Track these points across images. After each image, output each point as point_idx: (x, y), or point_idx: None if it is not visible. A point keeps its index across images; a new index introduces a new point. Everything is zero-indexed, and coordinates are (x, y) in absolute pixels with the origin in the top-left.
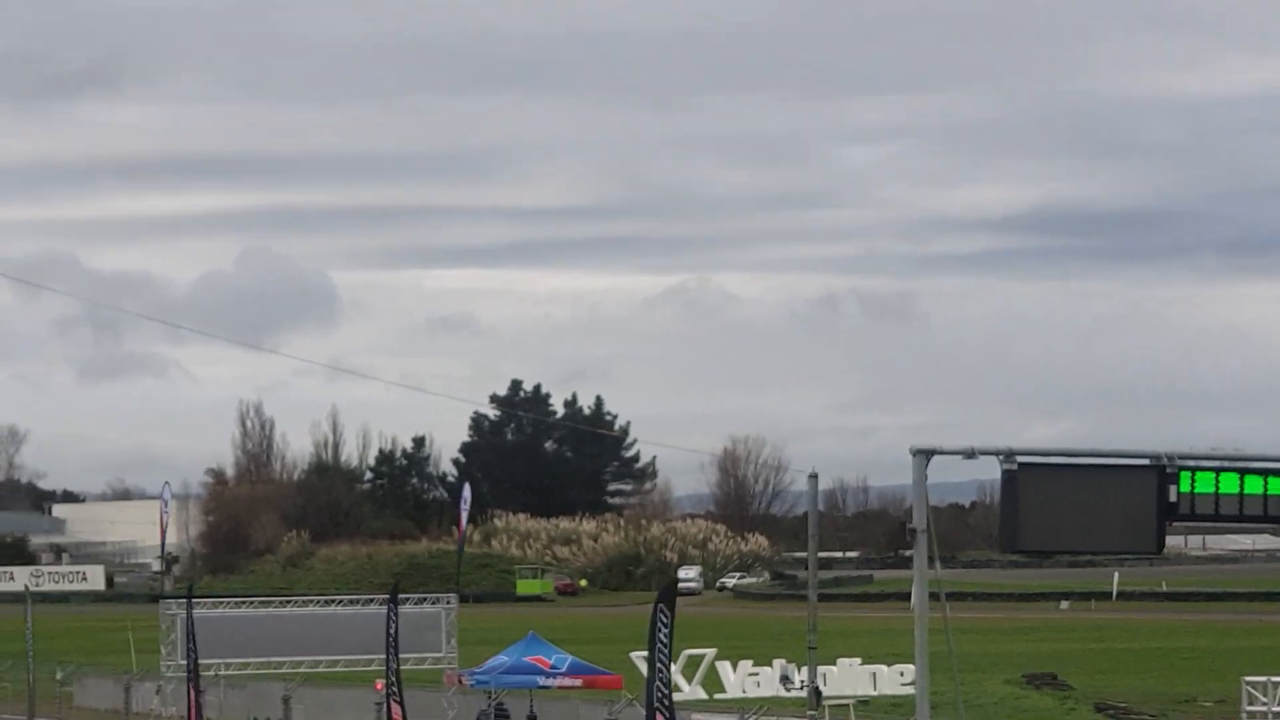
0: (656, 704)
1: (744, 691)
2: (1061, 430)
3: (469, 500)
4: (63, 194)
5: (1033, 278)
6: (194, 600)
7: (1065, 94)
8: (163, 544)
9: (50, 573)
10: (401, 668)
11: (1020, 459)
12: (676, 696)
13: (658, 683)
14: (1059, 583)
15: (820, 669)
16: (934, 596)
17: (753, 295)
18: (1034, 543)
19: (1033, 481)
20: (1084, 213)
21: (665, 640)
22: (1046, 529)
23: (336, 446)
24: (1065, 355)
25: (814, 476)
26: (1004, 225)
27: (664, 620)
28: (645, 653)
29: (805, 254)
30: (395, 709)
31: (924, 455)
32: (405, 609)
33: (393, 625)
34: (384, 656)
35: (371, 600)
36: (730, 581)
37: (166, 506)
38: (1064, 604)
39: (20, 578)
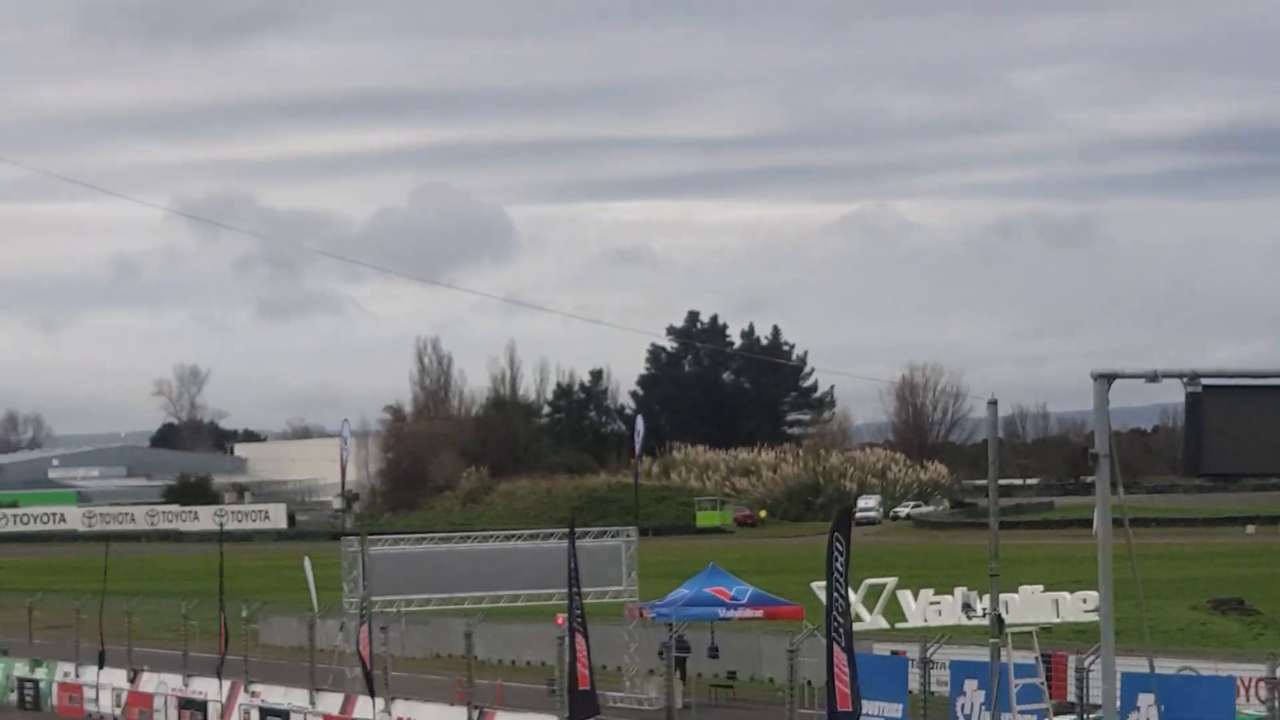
0: (834, 634)
1: (925, 620)
2: (1248, 352)
3: (643, 433)
4: (240, 134)
5: (1215, 197)
6: (374, 537)
7: (1247, 9)
8: (343, 482)
9: (234, 511)
10: (584, 601)
11: (1205, 381)
12: (857, 626)
13: (835, 612)
14: (1245, 507)
15: (1002, 596)
16: (1117, 522)
17: (929, 222)
18: (1219, 466)
19: (1218, 404)
20: (1267, 130)
21: (842, 569)
22: (1232, 452)
23: (514, 381)
24: (1250, 276)
25: (993, 403)
26: (1185, 144)
27: (840, 549)
28: (825, 583)
29: (982, 179)
30: (579, 641)
31: (1105, 379)
32: (585, 543)
33: (573, 559)
34: (564, 590)
35: (551, 534)
36: (905, 510)
37: (346, 444)
38: (1250, 528)
39: (204, 517)
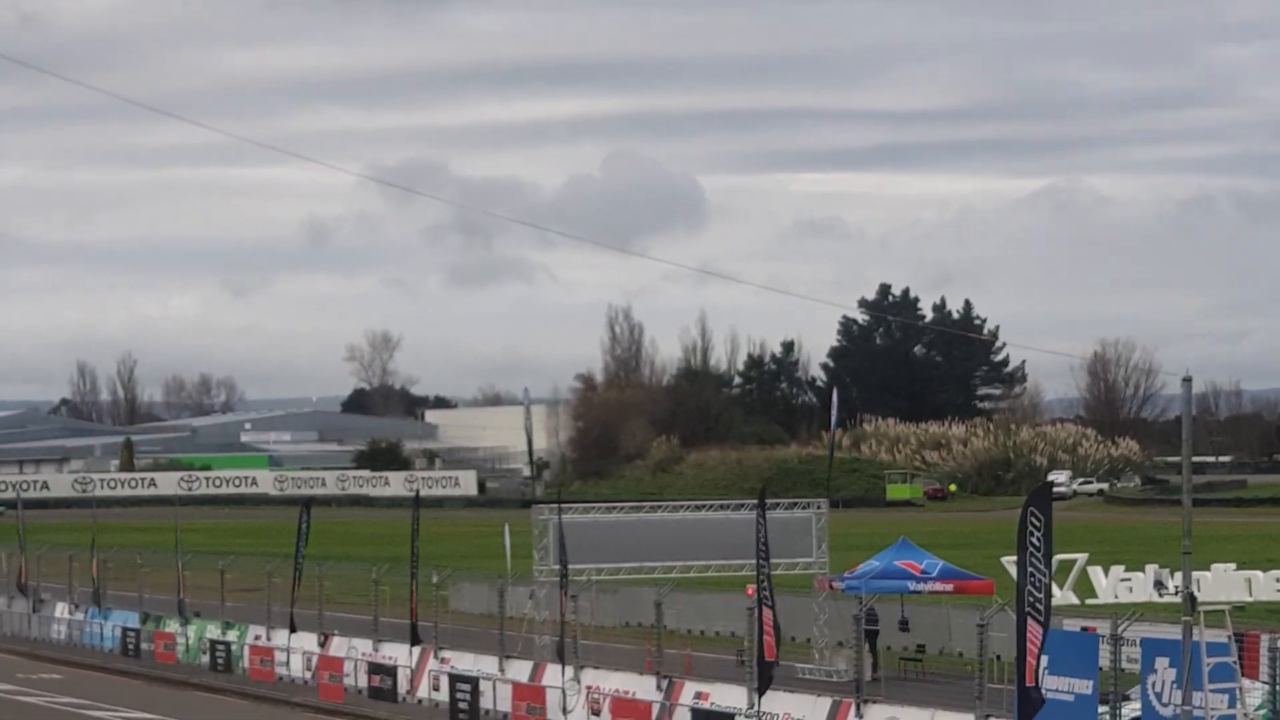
0: (1028, 609)
1: (1116, 597)
2: None
3: (836, 405)
4: (433, 101)
5: None
6: (565, 505)
7: None
8: (530, 450)
9: (424, 477)
10: (772, 573)
11: None
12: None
13: (1029, 587)
14: None
15: (1194, 574)
16: None
17: (1123, 197)
18: None
19: None
20: None
21: (1038, 544)
22: None
23: (705, 351)
24: None
25: (1188, 380)
26: None
27: (1036, 523)
28: (1016, 557)
29: (1178, 154)
30: (766, 614)
31: None
32: (776, 514)
33: (762, 530)
34: (754, 561)
35: (741, 505)
36: (1088, 487)
37: (528, 411)
38: None
39: (395, 483)
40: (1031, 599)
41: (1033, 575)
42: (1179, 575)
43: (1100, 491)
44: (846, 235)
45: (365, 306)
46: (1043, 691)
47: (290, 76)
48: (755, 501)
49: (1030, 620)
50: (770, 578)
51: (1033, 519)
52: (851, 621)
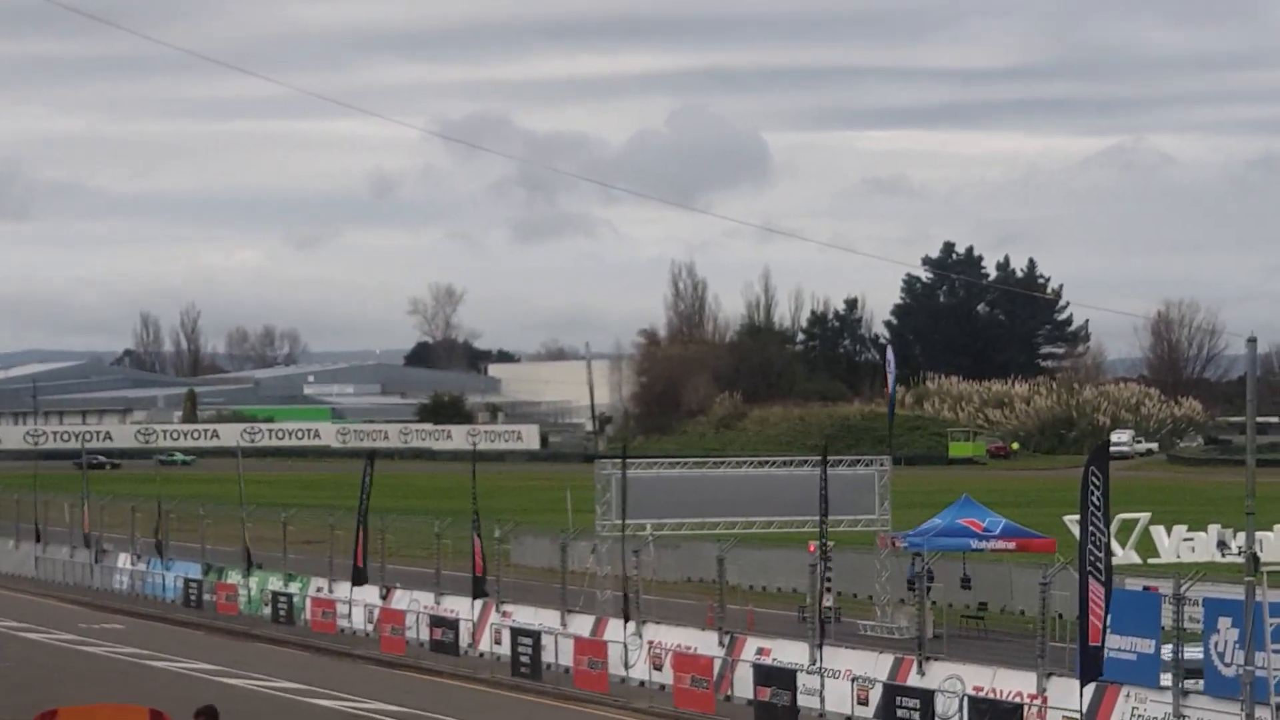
0: (1090, 567)
1: (1178, 556)
2: None
3: (894, 365)
4: (497, 55)
5: None
6: (628, 460)
7: None
8: (592, 404)
9: (487, 431)
10: (835, 529)
11: None
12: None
13: (1090, 546)
14: None
15: (1258, 534)
16: None
17: (1189, 156)
18: None
19: None
20: None
21: (1098, 503)
22: None
23: (768, 308)
24: None
25: (1252, 340)
26: None
27: (1096, 483)
28: (1078, 516)
29: (1244, 114)
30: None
31: None
32: (838, 471)
33: (824, 487)
34: (816, 518)
35: (805, 462)
36: (1139, 446)
37: (590, 366)
38: None
39: (458, 436)
40: (1092, 558)
41: (1093, 534)
42: (1242, 535)
43: (1149, 451)
44: (911, 193)
45: (429, 260)
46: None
47: (356, 30)
48: (818, 458)
49: (1091, 579)
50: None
51: (1093, 478)
52: (912, 579)
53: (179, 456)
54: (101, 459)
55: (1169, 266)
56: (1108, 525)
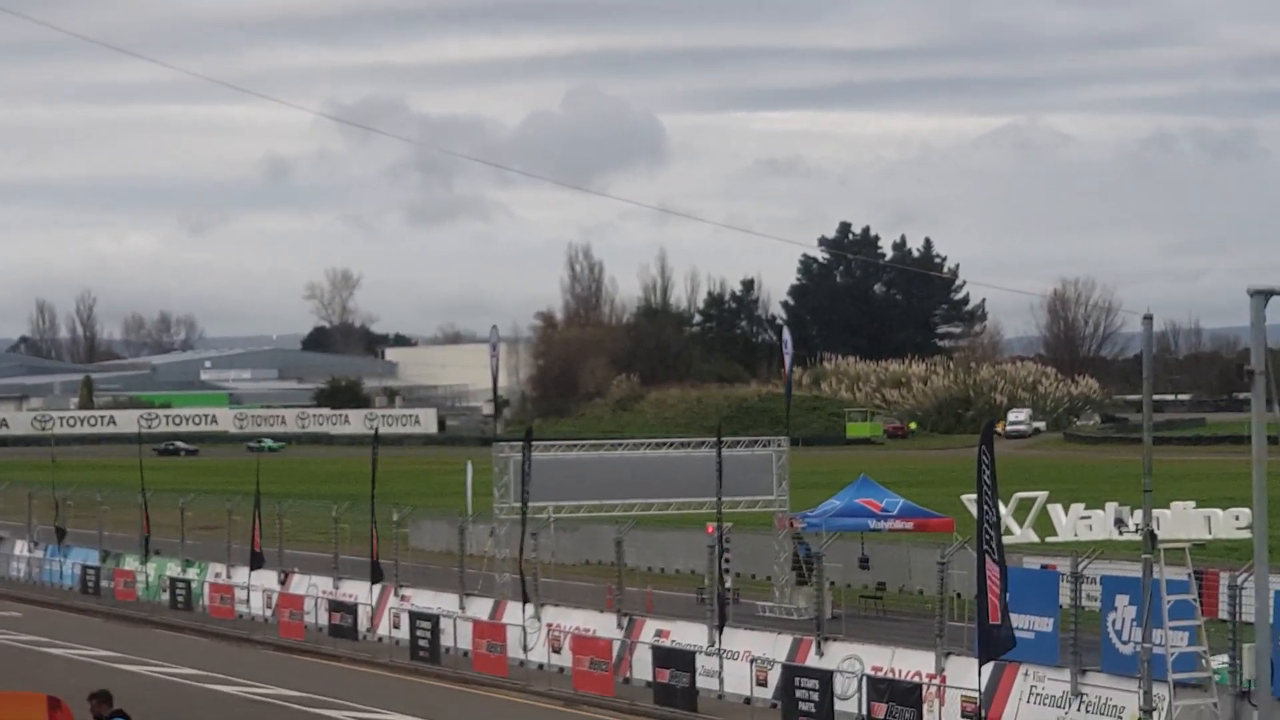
0: (985, 546)
1: (1075, 535)
2: None
3: (791, 345)
4: (390, 38)
5: None
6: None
7: None
8: (494, 388)
9: (384, 415)
10: (732, 511)
11: None
12: (1007, 540)
13: (985, 525)
14: None
15: (1155, 512)
16: (1272, 440)
17: (1084, 135)
18: None
19: None
20: None
21: (989, 482)
22: None
23: (665, 289)
24: None
25: (1148, 318)
26: None
27: (986, 462)
28: (975, 496)
29: (1138, 93)
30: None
31: (1262, 296)
32: (736, 452)
33: (720, 468)
34: (714, 499)
35: (702, 443)
36: (1040, 425)
37: (496, 350)
38: None
39: (355, 420)
40: (987, 537)
41: (986, 513)
42: (1139, 513)
43: (1036, 431)
44: (807, 174)
45: (325, 244)
46: (1013, 630)
47: (249, 14)
48: (714, 439)
49: (988, 558)
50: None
51: (983, 458)
52: (795, 562)
53: (268, 443)
54: (178, 445)
55: (1065, 245)
56: (996, 503)
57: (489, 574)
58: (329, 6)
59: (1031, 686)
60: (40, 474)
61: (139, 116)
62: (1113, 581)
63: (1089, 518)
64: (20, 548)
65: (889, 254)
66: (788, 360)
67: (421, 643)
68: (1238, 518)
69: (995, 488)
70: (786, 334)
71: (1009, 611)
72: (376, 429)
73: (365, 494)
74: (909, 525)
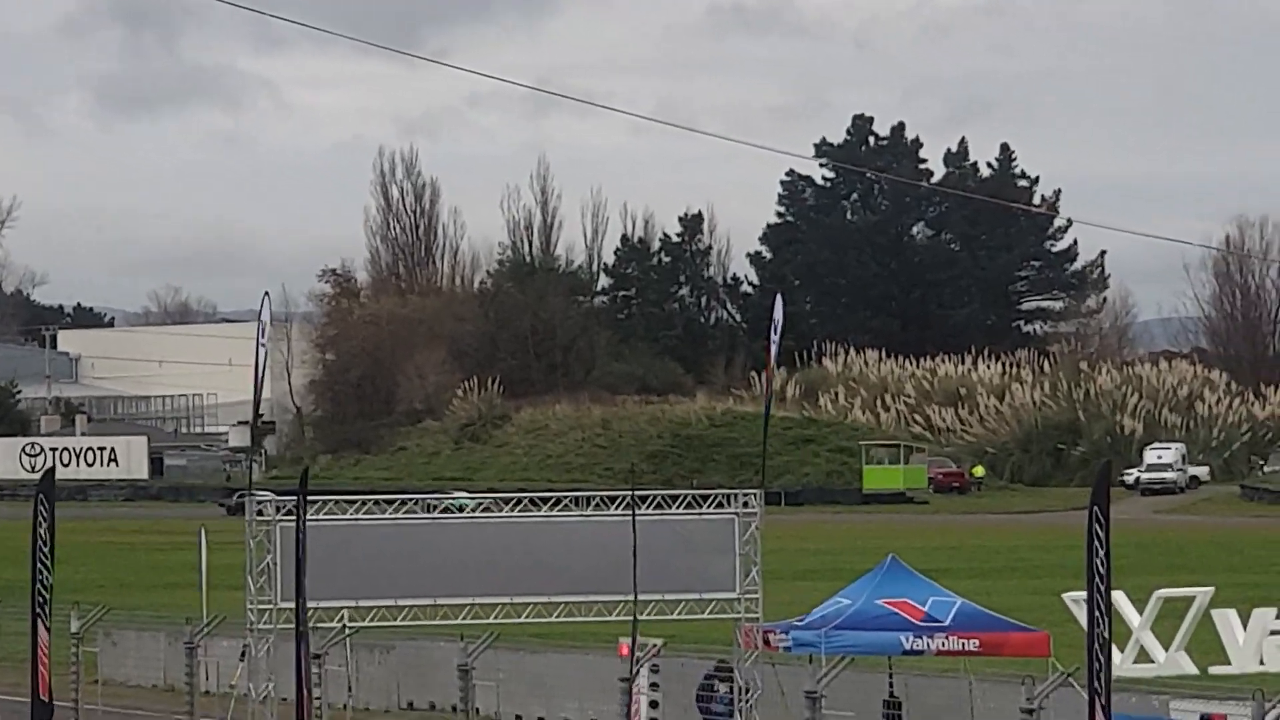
0: (1096, 679)
1: (1263, 663)
2: None
3: (781, 325)
4: None
5: None
6: (308, 499)
7: None
8: (256, 400)
9: (54, 447)
10: (665, 620)
11: None
12: (1147, 670)
13: (1096, 647)
14: None
15: None
16: None
17: None
18: None
19: None
20: None
21: (1102, 569)
22: None
23: (547, 231)
24: None
25: None
26: None
27: (1100, 535)
28: (1085, 593)
29: None
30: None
31: None
32: (672, 515)
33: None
34: (629, 598)
35: (613, 500)
36: (1200, 471)
37: (264, 337)
38: None
39: (4, 455)
40: (1097, 665)
41: (1098, 620)
42: None
43: (1194, 481)
44: (796, 28)
45: None
46: None
47: None
48: (628, 492)
49: (1098, 702)
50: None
51: (1096, 527)
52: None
53: (463, 500)
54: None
55: (1242, 159)
56: (1109, 605)
57: None
58: None
59: None
60: None
61: None
62: None
63: None
64: None
65: (939, 172)
66: (773, 352)
67: None
68: None
69: (1109, 578)
70: (779, 308)
71: None
72: (43, 470)
73: (19, 584)
74: (973, 644)
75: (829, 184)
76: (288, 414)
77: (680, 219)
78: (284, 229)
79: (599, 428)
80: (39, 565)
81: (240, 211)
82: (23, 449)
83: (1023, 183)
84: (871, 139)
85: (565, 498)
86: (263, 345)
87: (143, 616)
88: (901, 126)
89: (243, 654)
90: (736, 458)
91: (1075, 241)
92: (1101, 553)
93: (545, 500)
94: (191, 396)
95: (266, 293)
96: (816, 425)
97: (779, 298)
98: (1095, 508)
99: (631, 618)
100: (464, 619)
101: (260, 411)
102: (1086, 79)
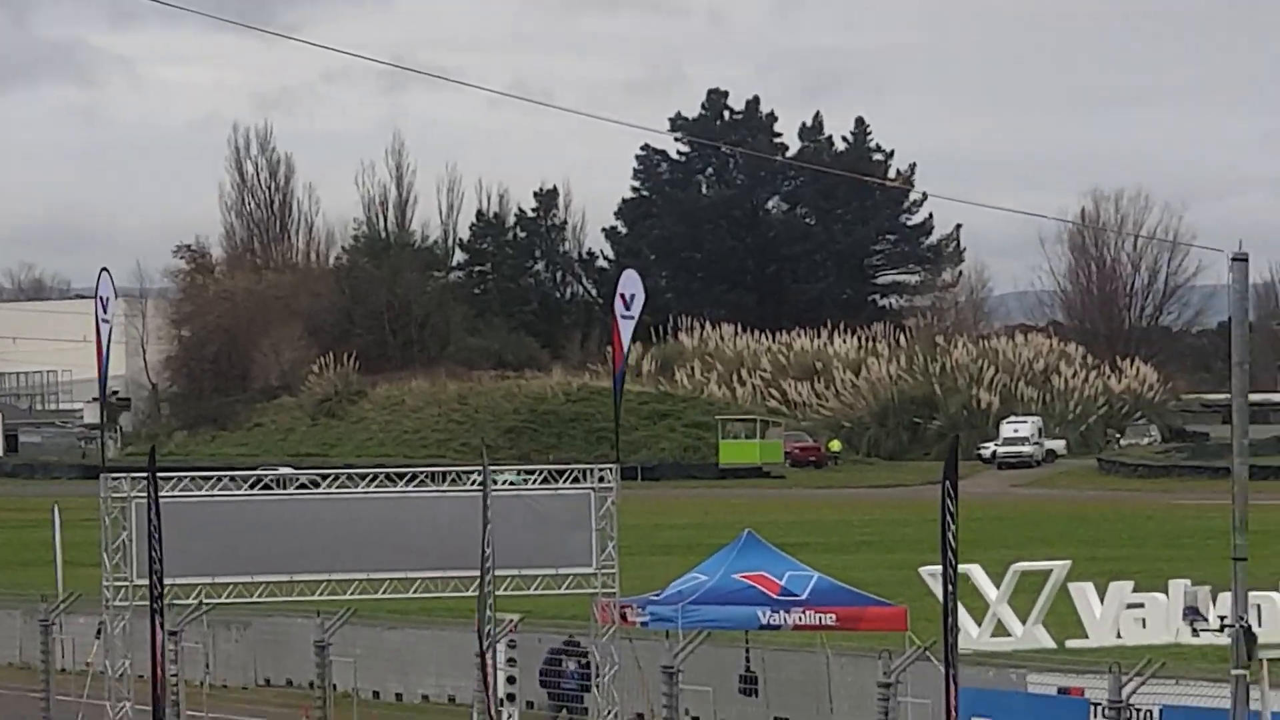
0: (951, 653)
1: (1119, 636)
2: None
3: (635, 299)
4: None
5: None
6: (162, 475)
7: None
8: (101, 376)
9: None
10: (520, 594)
11: None
12: (1004, 644)
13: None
14: None
15: (1253, 596)
16: None
17: None
18: None
19: None
20: None
21: (953, 543)
22: None
23: (403, 205)
24: None
25: (1241, 260)
26: None
27: (951, 510)
28: (939, 567)
29: None
30: (489, 668)
31: None
32: (526, 491)
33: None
34: (479, 571)
35: (467, 474)
36: (1056, 444)
37: (106, 311)
38: None
39: None
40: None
41: (951, 594)
42: (1225, 598)
43: (1050, 454)
44: (650, 3)
45: None
46: None
47: None
48: (481, 469)
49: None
50: (492, 604)
51: (948, 501)
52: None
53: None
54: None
55: (1100, 132)
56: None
57: (95, 702)
58: None
59: None
60: None
61: None
62: (1181, 715)
63: (1140, 606)
64: None
65: (794, 145)
66: (623, 330)
67: None
68: None
69: (956, 553)
70: (635, 282)
71: None
72: None
73: None
74: (830, 618)
75: (684, 158)
76: (144, 390)
77: (535, 194)
78: (139, 205)
79: (455, 403)
80: None
81: (95, 187)
82: None
83: (878, 157)
84: (726, 113)
85: (421, 473)
86: (105, 321)
87: None
88: (756, 101)
89: (99, 631)
90: (593, 433)
91: (931, 215)
92: (953, 525)
93: (401, 476)
94: (46, 373)
95: (104, 269)
96: (672, 400)
97: (632, 275)
98: (946, 481)
99: (480, 593)
100: (320, 595)
101: (114, 389)
102: (943, 53)
